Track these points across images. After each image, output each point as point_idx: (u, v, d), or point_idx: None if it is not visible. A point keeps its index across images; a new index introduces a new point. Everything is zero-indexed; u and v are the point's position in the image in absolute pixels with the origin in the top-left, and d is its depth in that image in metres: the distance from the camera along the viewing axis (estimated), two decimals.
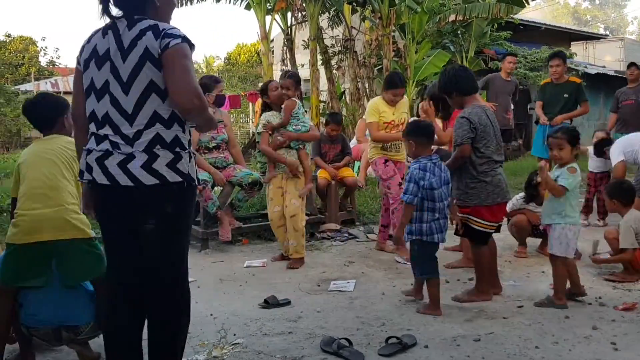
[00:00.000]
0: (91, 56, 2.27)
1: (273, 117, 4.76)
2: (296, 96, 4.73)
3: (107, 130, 2.23)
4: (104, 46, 2.25)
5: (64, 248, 2.63)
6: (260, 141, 4.76)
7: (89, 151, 2.26)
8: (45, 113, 2.88)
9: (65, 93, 16.47)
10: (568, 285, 3.68)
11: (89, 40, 2.32)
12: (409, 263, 4.70)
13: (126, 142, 2.20)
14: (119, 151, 2.19)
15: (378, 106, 4.93)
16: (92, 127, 2.28)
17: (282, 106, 4.72)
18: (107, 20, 2.30)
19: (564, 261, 3.62)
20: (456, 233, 3.90)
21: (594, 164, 6.24)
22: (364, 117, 8.09)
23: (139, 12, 2.26)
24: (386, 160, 4.92)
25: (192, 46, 2.24)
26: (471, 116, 3.62)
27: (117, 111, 2.21)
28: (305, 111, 5.00)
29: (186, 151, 2.28)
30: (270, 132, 4.71)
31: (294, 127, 4.68)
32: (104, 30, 2.28)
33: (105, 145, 2.22)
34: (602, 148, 5.77)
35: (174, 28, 2.23)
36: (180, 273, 2.36)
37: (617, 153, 5.18)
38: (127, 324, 2.33)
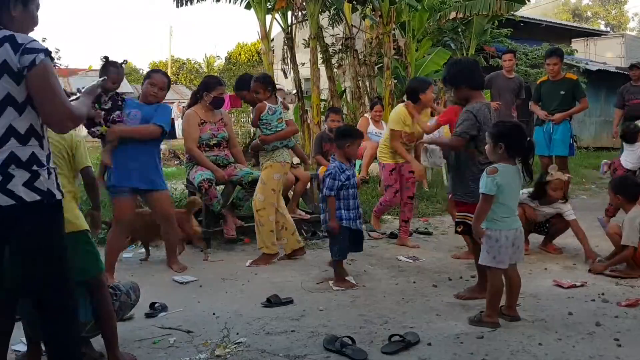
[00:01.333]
0: None
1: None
2: (270, 97, 4.60)
3: None
4: None
5: None
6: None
7: None
8: None
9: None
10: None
11: None
12: (410, 261, 4.73)
13: None
14: None
15: (404, 117, 5.12)
16: None
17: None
18: None
19: (501, 273, 3.23)
20: (456, 232, 3.89)
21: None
22: (365, 114, 8.10)
23: None
24: (393, 170, 5.26)
25: (52, 58, 2.18)
26: (478, 113, 3.60)
27: None
28: (285, 110, 4.87)
29: (44, 168, 2.19)
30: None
31: (267, 130, 4.60)
32: None
33: None
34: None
35: (34, 41, 2.13)
36: (65, 285, 2.32)
37: None
38: None
